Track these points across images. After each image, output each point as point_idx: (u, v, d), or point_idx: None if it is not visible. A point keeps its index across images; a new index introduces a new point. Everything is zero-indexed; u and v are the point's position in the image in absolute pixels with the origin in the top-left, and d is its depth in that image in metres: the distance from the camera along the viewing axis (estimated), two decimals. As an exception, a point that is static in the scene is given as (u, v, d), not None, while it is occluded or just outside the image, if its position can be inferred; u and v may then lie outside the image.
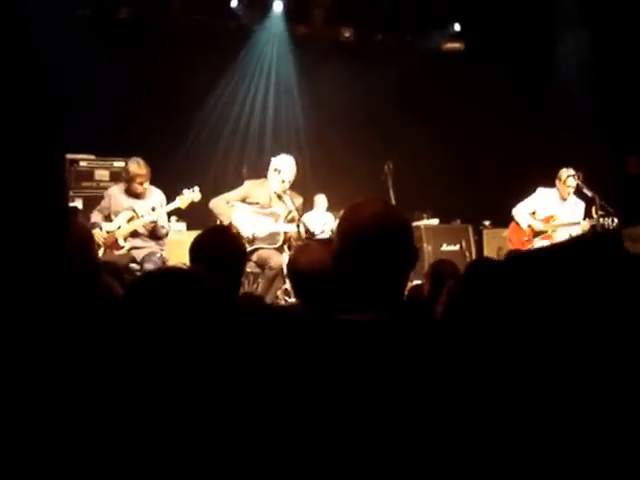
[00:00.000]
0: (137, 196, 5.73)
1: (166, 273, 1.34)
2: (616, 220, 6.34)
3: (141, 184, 5.66)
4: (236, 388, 1.11)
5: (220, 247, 2.66)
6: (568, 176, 6.48)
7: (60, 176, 1.35)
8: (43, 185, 1.24)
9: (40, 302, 1.20)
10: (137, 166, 5.66)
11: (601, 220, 6.36)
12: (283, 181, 5.60)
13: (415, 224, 7.58)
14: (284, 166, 5.64)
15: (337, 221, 6.12)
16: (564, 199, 6.59)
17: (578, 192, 6.60)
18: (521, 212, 6.68)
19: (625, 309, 0.99)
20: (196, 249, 2.73)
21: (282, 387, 1.15)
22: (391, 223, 1.52)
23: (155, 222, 5.68)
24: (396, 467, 1.09)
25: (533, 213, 6.69)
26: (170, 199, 5.82)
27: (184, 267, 1.48)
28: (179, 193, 5.81)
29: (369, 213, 1.53)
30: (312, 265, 2.59)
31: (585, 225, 6.44)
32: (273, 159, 5.77)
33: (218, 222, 5.59)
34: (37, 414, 1.10)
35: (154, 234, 5.74)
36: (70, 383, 1.14)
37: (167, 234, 5.90)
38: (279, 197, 5.66)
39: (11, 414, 1.09)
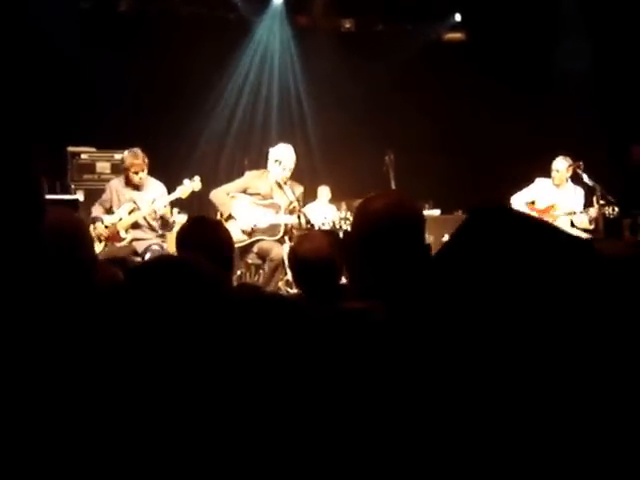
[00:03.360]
0: (136, 187, 5.75)
1: (166, 261, 1.34)
2: (617, 209, 6.34)
3: (136, 173, 5.68)
4: (242, 381, 1.10)
5: (204, 236, 2.67)
6: (554, 162, 6.53)
7: (31, 169, 1.33)
8: (12, 180, 1.23)
9: (17, 297, 1.20)
10: (133, 156, 5.69)
11: (602, 209, 6.37)
12: (284, 170, 5.59)
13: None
14: (284, 156, 5.62)
15: (339, 213, 6.07)
16: (557, 186, 6.59)
17: (578, 180, 6.60)
18: (517, 202, 6.68)
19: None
20: (182, 239, 2.75)
21: (289, 378, 1.13)
22: (402, 215, 1.55)
23: (164, 214, 5.71)
24: (402, 463, 1.07)
25: (532, 203, 6.69)
26: (172, 191, 5.82)
27: (183, 256, 1.48)
28: (181, 184, 5.82)
29: (382, 204, 1.57)
30: (313, 253, 2.61)
31: (593, 212, 6.42)
32: (272, 149, 5.73)
33: (219, 214, 5.59)
34: (32, 408, 1.10)
35: (164, 225, 5.79)
36: (63, 375, 1.13)
37: (173, 227, 5.91)
38: (280, 187, 5.65)
39: (4, 412, 1.08)
